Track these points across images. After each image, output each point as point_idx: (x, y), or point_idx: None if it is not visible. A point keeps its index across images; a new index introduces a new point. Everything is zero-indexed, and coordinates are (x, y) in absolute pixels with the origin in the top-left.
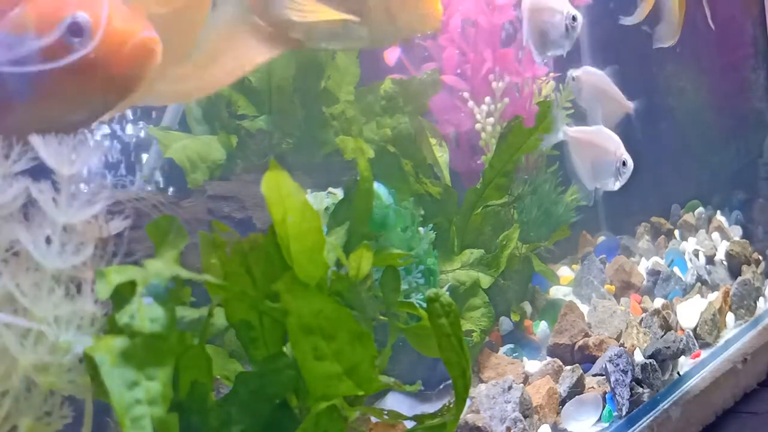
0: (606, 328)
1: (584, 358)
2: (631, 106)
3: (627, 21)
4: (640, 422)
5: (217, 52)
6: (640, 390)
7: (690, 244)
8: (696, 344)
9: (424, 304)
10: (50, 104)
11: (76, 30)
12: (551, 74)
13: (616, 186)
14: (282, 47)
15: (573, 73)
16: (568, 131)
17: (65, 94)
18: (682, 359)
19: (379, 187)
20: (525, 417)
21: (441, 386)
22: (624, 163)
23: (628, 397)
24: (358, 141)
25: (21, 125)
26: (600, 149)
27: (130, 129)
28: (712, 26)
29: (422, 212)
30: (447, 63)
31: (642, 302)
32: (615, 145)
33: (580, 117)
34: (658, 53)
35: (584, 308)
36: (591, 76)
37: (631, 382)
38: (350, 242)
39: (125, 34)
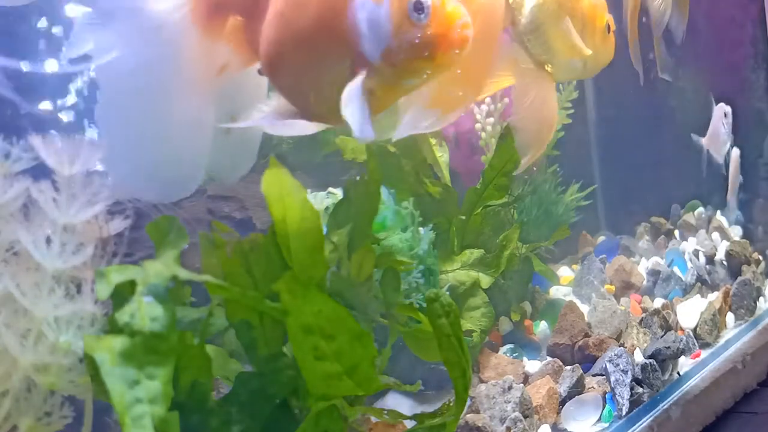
0: (606, 328)
1: (584, 358)
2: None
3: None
4: (640, 422)
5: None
6: (640, 390)
7: (690, 244)
8: (696, 344)
9: (424, 305)
10: (389, 74)
11: (419, 7)
12: None
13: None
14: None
15: None
16: None
17: (399, 67)
18: (682, 359)
19: None
20: (525, 417)
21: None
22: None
23: (628, 397)
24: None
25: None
26: None
27: None
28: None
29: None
30: None
31: (642, 302)
32: None
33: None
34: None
35: (584, 308)
36: None
37: (631, 382)
38: (353, 243)
39: (454, 17)
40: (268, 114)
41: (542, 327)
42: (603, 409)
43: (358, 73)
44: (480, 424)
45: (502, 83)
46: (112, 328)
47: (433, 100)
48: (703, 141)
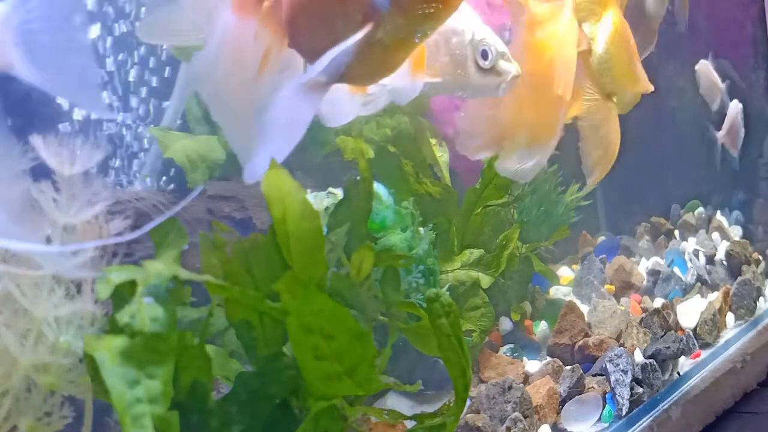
0: (606, 328)
1: (584, 358)
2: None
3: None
4: (640, 422)
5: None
6: (640, 390)
7: (690, 244)
8: (696, 344)
9: (424, 304)
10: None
11: None
12: None
13: None
14: None
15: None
16: None
17: (409, 12)
18: (682, 359)
19: (379, 187)
20: (525, 417)
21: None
22: None
23: (628, 397)
24: (358, 141)
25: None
26: None
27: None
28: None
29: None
30: None
31: (642, 302)
32: None
33: None
34: (657, 53)
35: (584, 308)
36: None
37: (631, 382)
38: (350, 242)
39: None
40: (301, 81)
41: (542, 327)
42: (603, 409)
43: (367, 25)
44: (480, 424)
45: (570, 111)
46: (112, 328)
47: (533, 138)
48: (719, 135)
